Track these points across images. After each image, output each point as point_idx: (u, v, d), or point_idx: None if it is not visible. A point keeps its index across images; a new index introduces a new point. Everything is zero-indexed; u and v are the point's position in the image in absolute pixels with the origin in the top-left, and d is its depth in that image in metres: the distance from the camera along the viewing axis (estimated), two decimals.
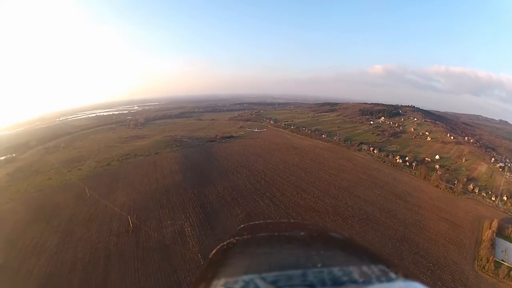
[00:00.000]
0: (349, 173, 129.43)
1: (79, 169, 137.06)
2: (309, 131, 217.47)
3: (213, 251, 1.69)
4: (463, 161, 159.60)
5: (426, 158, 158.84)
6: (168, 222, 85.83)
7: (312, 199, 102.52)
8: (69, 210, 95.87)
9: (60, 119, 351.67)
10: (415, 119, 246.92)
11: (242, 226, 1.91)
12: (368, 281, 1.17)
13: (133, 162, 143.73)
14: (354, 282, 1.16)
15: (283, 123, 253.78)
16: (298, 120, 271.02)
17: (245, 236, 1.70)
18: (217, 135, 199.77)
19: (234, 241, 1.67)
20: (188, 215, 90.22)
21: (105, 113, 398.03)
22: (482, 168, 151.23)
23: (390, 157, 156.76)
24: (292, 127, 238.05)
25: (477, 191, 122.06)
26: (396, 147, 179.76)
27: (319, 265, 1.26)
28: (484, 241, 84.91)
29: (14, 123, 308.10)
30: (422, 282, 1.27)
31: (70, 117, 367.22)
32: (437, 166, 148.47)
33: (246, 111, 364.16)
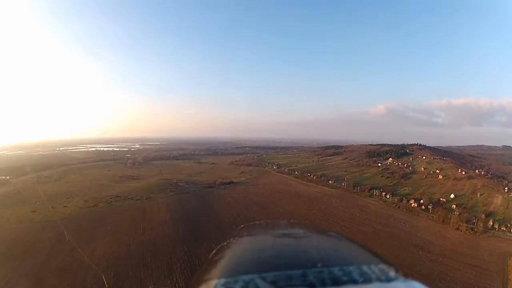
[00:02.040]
0: (363, 224, 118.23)
1: (65, 206, 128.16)
2: (314, 177, 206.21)
3: (213, 251, 1.66)
4: (478, 196, 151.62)
5: (441, 199, 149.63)
6: (150, 287, 73.01)
7: None
8: (45, 253, 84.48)
9: (60, 148, 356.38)
10: (424, 157, 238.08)
11: (242, 226, 1.92)
12: (368, 281, 1.15)
13: (122, 206, 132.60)
14: (354, 282, 1.14)
15: (287, 168, 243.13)
16: (302, 165, 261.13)
17: (245, 236, 1.69)
18: (216, 181, 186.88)
19: (234, 241, 1.66)
20: (174, 279, 76.27)
21: (105, 149, 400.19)
22: (498, 200, 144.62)
23: (404, 201, 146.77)
24: (296, 172, 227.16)
25: (497, 227, 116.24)
26: (409, 189, 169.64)
27: (319, 265, 1.24)
28: (510, 280, 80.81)
29: (16, 144, 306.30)
30: (422, 282, 1.27)
31: (70, 148, 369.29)
32: (454, 206, 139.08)
33: (248, 155, 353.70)
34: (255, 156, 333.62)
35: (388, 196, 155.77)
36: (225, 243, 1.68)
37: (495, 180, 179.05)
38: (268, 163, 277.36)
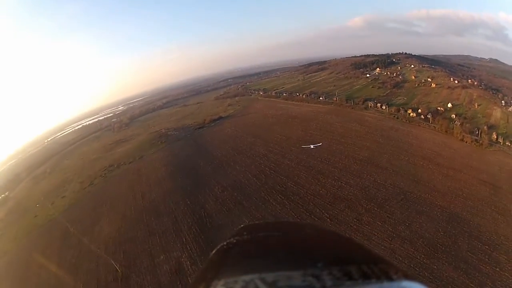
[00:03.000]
0: (365, 139, 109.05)
1: (62, 197, 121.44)
2: (304, 96, 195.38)
3: (213, 251, 1.67)
4: (476, 106, 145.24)
5: (439, 108, 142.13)
6: (162, 257, 65.91)
7: (333, 184, 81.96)
8: (55, 256, 78.87)
9: (49, 139, 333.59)
10: (412, 65, 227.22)
11: (242, 226, 1.88)
12: (368, 281, 1.15)
13: (117, 175, 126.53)
14: (354, 282, 1.13)
15: (274, 92, 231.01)
16: (289, 86, 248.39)
17: (245, 236, 1.67)
18: (205, 120, 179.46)
19: (234, 241, 1.65)
20: (184, 240, 69.72)
21: (90, 122, 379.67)
22: (497, 113, 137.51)
23: (402, 111, 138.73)
24: (284, 94, 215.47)
25: (501, 141, 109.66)
26: (403, 99, 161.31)
27: (319, 265, 1.23)
28: None
29: (6, 157, 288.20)
30: (422, 282, 1.25)
31: (58, 134, 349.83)
32: (453, 116, 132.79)
33: (232, 86, 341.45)
34: (239, 86, 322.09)
35: (384, 107, 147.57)
36: (225, 243, 1.65)
37: (490, 92, 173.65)
38: (253, 90, 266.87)
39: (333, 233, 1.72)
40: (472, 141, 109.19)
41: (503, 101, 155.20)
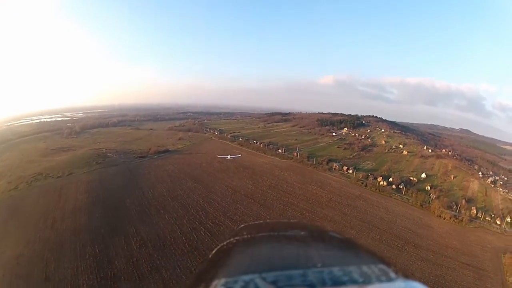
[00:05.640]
0: (328, 207, 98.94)
1: None
2: (261, 145, 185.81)
3: (213, 251, 1.71)
4: (452, 178, 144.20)
5: (412, 178, 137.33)
6: None
7: None
8: None
9: (8, 124, 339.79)
10: (383, 130, 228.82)
11: (242, 226, 1.93)
12: (368, 281, 1.19)
13: (41, 187, 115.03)
14: (354, 282, 1.17)
15: (230, 134, 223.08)
16: (246, 131, 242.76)
17: (245, 236, 1.72)
18: (150, 149, 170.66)
19: (234, 241, 1.69)
20: None
21: (48, 120, 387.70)
22: (474, 185, 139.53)
23: (371, 178, 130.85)
24: (240, 139, 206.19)
25: (481, 216, 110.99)
26: (372, 164, 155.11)
27: (319, 265, 1.28)
28: (509, 282, 75.42)
29: None
30: (422, 282, 1.30)
31: (16, 122, 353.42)
32: (428, 187, 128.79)
33: (189, 120, 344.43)
34: (197, 122, 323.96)
35: (350, 171, 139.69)
36: (224, 243, 1.70)
37: (466, 163, 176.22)
38: (209, 129, 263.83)
39: (333, 233, 1.78)
40: (450, 217, 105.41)
41: (480, 173, 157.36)
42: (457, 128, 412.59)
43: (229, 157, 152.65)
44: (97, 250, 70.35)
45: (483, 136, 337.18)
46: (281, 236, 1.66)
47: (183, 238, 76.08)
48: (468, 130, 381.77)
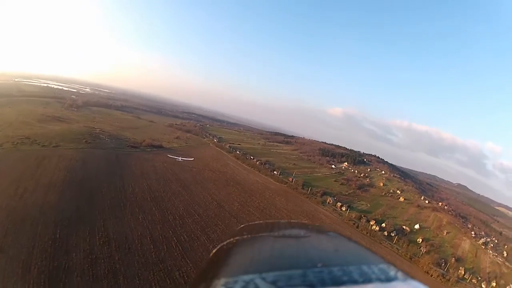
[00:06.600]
0: None
1: None
2: (258, 162, 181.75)
3: (213, 251, 1.70)
4: (445, 234, 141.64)
5: (405, 227, 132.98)
6: None
7: None
8: None
9: (16, 80, 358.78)
10: (383, 171, 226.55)
11: (242, 226, 1.92)
12: (368, 281, 1.16)
13: (25, 151, 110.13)
14: (354, 282, 1.14)
15: (228, 145, 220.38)
16: (246, 145, 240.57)
17: (245, 236, 1.71)
18: (144, 141, 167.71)
19: (234, 241, 1.68)
20: (27, 284, 49.41)
21: (56, 86, 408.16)
22: (466, 244, 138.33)
23: (363, 220, 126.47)
24: (238, 151, 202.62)
25: (468, 278, 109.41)
26: (367, 205, 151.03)
27: (319, 265, 1.25)
28: None
29: None
30: (422, 282, 1.26)
31: (25, 80, 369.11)
32: (420, 240, 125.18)
33: (192, 121, 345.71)
34: (198, 124, 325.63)
35: (344, 209, 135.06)
36: (224, 243, 1.68)
37: (460, 220, 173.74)
38: (209, 134, 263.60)
39: (333, 233, 1.73)
40: (438, 275, 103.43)
41: (473, 232, 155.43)
42: (454, 182, 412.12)
43: (180, 159, 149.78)
44: (57, 235, 63.91)
45: (478, 194, 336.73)
46: (281, 236, 1.62)
47: (152, 246, 69.39)
48: (465, 186, 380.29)
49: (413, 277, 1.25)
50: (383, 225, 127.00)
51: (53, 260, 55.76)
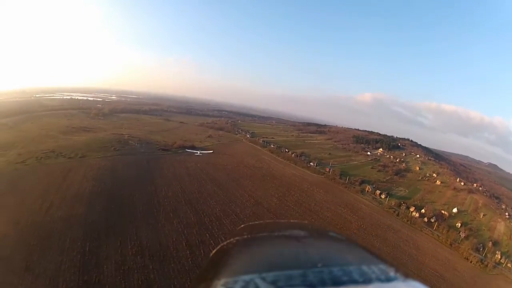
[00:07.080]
0: (356, 235, 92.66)
1: None
2: (293, 155, 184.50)
3: (213, 251, 1.72)
4: (481, 216, 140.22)
5: (444, 212, 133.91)
6: None
7: None
8: None
9: (37, 95, 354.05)
10: (418, 155, 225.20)
11: (242, 226, 1.96)
12: (368, 281, 1.20)
13: (49, 165, 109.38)
14: (354, 282, 1.18)
15: (262, 139, 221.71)
16: (279, 138, 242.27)
17: (245, 236, 1.74)
18: (175, 142, 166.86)
19: (234, 241, 1.70)
20: None
21: (80, 97, 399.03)
22: (501, 226, 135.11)
23: (403, 207, 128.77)
24: (272, 145, 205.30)
25: (504, 262, 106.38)
26: (405, 191, 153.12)
27: (319, 265, 1.29)
28: None
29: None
30: (422, 282, 1.32)
31: (47, 95, 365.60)
32: (459, 225, 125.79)
33: (223, 118, 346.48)
34: (230, 121, 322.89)
35: (383, 196, 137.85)
36: (225, 243, 1.72)
37: (495, 200, 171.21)
38: (241, 130, 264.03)
39: (333, 233, 1.78)
40: (477, 261, 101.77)
41: (507, 213, 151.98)
42: (485, 162, 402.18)
43: (198, 153, 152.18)
44: (87, 248, 63.67)
45: (508, 173, 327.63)
46: (281, 236, 1.68)
47: (188, 252, 67.84)
48: (495, 165, 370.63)
49: (413, 277, 1.32)
50: (423, 211, 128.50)
51: (83, 275, 55.74)
